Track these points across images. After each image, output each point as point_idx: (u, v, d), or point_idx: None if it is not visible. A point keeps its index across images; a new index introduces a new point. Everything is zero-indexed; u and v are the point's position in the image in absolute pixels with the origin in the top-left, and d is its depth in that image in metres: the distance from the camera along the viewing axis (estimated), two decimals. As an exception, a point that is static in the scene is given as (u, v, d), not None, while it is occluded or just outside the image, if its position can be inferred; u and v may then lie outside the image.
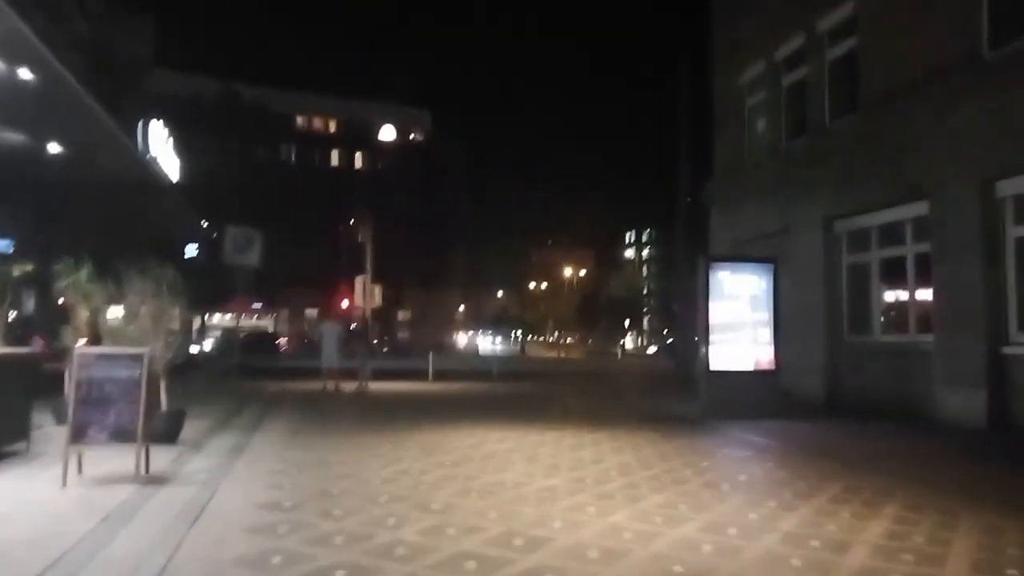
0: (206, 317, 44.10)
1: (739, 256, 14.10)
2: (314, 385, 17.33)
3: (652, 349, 63.23)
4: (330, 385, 16.70)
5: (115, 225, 13.43)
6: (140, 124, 12.31)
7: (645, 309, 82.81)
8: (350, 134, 69.66)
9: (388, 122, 66.10)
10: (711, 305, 11.72)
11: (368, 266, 22.82)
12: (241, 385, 18.50)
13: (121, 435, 6.46)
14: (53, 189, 11.82)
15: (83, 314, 8.91)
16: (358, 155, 70.87)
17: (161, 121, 13.24)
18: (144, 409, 6.51)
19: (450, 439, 9.23)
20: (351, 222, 29.35)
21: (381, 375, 20.12)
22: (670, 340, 64.74)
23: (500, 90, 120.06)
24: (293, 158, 69.32)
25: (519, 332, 79.68)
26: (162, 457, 7.40)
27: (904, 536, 4.84)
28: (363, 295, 22.15)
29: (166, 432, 8.62)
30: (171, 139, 13.75)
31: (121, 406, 6.50)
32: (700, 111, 22.50)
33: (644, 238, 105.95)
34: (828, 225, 14.10)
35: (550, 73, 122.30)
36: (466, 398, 16.21)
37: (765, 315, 11.97)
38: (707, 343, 11.69)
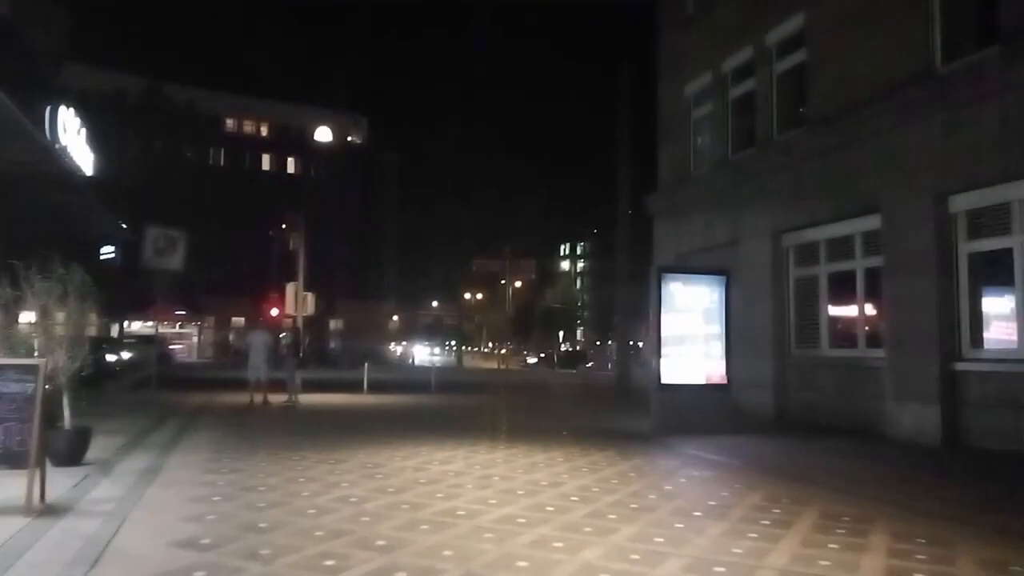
0: (125, 325, 41.78)
1: (692, 268, 13.77)
2: (240, 398, 16.25)
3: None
4: (257, 398, 15.67)
5: (16, 221, 12.20)
6: (48, 111, 11.18)
7: (579, 321, 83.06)
8: (283, 138, 67.88)
9: (323, 125, 64.98)
10: (662, 317, 11.33)
11: (300, 273, 21.83)
12: (160, 397, 17.26)
13: (8, 459, 5.56)
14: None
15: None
16: (291, 160, 69.10)
17: (72, 110, 12.09)
18: (39, 428, 5.62)
19: (392, 460, 8.51)
20: (283, 226, 28.22)
21: (313, 387, 19.14)
22: (593, 352, 65.49)
23: (436, 97, 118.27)
24: (222, 161, 67.02)
25: (454, 342, 78.68)
26: (62, 482, 6.49)
27: (911, 572, 4.40)
28: (295, 303, 21.14)
29: (69, 453, 7.66)
30: (83, 130, 12.58)
31: (10, 424, 5.60)
32: (643, 122, 22.41)
33: (579, 250, 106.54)
34: (777, 238, 13.95)
35: (489, 80, 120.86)
36: (405, 412, 15.44)
37: (717, 328, 11.65)
38: (658, 356, 11.29)
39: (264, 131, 69.53)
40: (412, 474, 7.57)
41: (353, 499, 6.21)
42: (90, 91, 38.18)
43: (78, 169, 12.20)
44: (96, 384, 20.48)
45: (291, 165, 69.09)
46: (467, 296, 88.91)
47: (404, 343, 75.98)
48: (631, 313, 24.24)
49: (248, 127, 69.52)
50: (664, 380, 11.25)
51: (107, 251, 20.83)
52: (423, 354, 74.31)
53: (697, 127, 17.13)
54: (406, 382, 25.34)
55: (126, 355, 31.14)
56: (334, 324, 65.63)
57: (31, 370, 5.74)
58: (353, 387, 21.44)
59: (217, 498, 6.19)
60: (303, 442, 9.87)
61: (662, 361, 11.26)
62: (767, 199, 14.05)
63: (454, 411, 16.05)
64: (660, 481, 7.50)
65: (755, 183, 14.46)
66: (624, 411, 15.74)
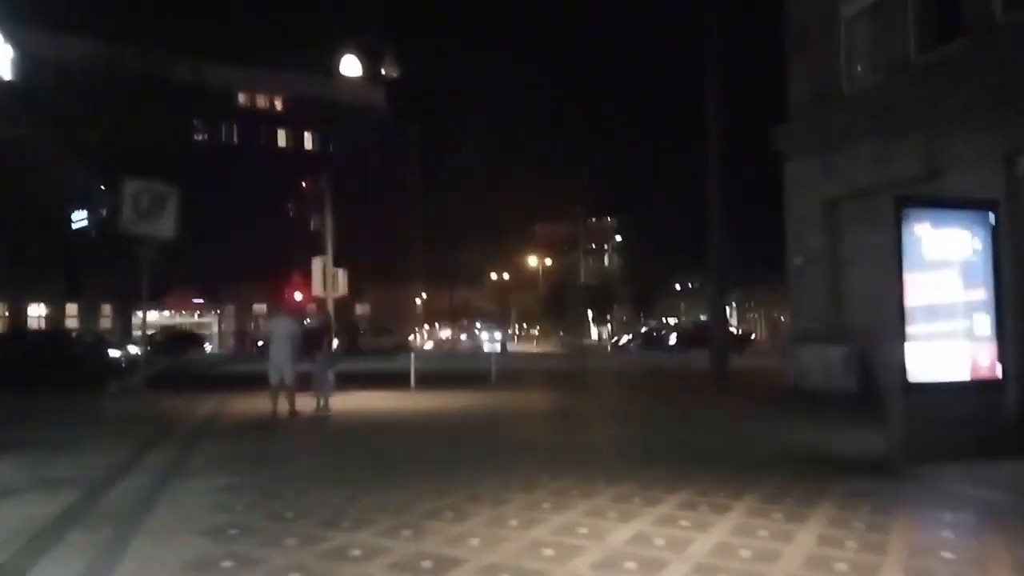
0: (133, 314, 38.24)
1: (946, 199, 9.27)
2: (260, 403, 12.38)
3: (624, 340, 58.21)
4: (282, 405, 11.77)
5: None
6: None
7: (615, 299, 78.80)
8: (299, 111, 63.95)
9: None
10: (906, 277, 7.23)
11: (328, 244, 17.93)
12: (156, 405, 13.50)
13: None
14: None
15: None
16: (307, 135, 65.27)
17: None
18: None
19: (489, 530, 4.65)
20: (302, 195, 24.46)
21: (347, 382, 15.31)
22: (645, 330, 60.65)
23: (468, 36, 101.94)
24: (235, 138, 63.26)
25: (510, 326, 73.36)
26: None
27: None
28: (323, 281, 17.27)
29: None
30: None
31: None
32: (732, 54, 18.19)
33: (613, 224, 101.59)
34: (1012, 162, 9.78)
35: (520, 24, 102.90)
36: (476, 422, 11.51)
37: (982, 293, 7.54)
38: (901, 340, 7.20)
39: (279, 105, 65.76)
40: (532, 564, 3.64)
41: None
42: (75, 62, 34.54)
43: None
44: (93, 385, 16.94)
45: (308, 140, 65.34)
46: (495, 277, 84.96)
47: (462, 325, 69.93)
48: (725, 283, 20.04)
49: (262, 101, 65.78)
50: (912, 377, 7.17)
51: (79, 218, 17.01)
52: (482, 340, 65.42)
53: (852, 27, 12.89)
54: (458, 373, 21.45)
55: (134, 350, 27.64)
56: (360, 309, 62.00)
57: None
58: (395, 382, 17.62)
59: None
60: (353, 501, 5.92)
61: (907, 346, 7.18)
62: (991, 108, 9.86)
63: (539, 419, 12.08)
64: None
65: (969, 88, 10.25)
66: (781, 412, 11.74)
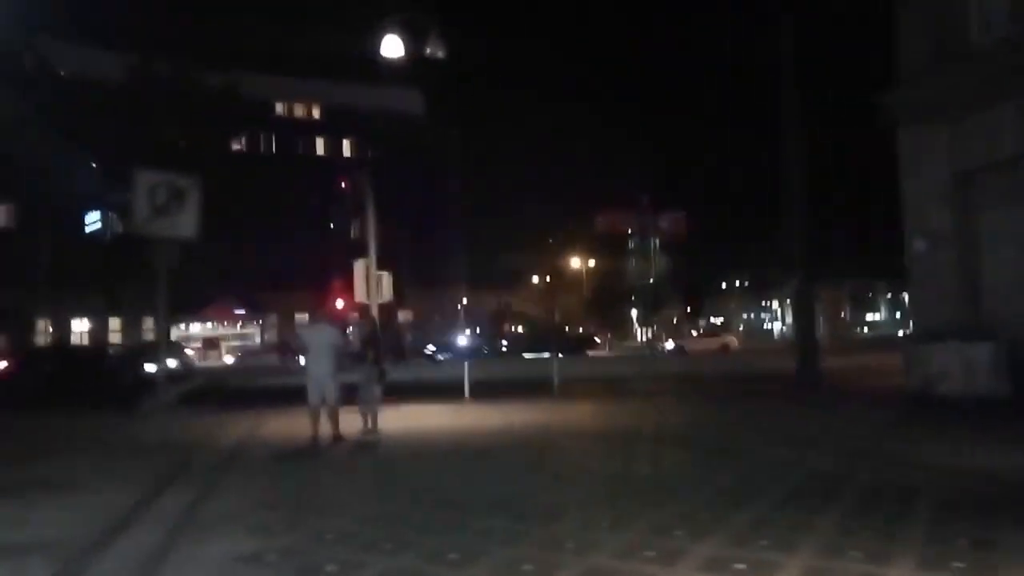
0: (177, 327, 37.32)
1: None
2: (299, 425, 10.69)
3: (669, 344, 55.36)
4: (324, 427, 10.08)
5: None
6: None
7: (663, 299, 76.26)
8: (336, 120, 63.10)
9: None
10: None
11: (371, 244, 16.34)
12: (186, 426, 11.97)
13: None
14: None
15: None
16: (346, 142, 64.37)
17: None
18: None
19: None
20: (343, 190, 22.99)
21: (394, 394, 13.62)
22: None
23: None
24: (273, 148, 62.61)
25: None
26: None
27: None
28: (366, 286, 15.67)
29: None
30: None
31: None
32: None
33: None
34: None
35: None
36: (554, 444, 9.71)
37: None
38: None
39: (316, 113, 65.06)
40: None
41: None
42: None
43: None
44: (125, 403, 15.62)
45: (347, 148, 64.47)
46: (537, 279, 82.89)
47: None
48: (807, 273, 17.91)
49: (299, 110, 65.16)
50: None
51: (92, 220, 15.61)
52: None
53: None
54: (513, 381, 19.67)
55: (172, 363, 26.48)
56: (403, 315, 60.64)
57: None
58: (446, 392, 15.96)
59: None
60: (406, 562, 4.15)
61: None
62: None
63: (634, 441, 10.18)
64: None
65: None
66: (930, 426, 9.69)
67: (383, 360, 11.27)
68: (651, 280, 64.92)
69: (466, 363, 16.32)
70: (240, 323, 55.55)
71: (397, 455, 9.03)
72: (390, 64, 14.24)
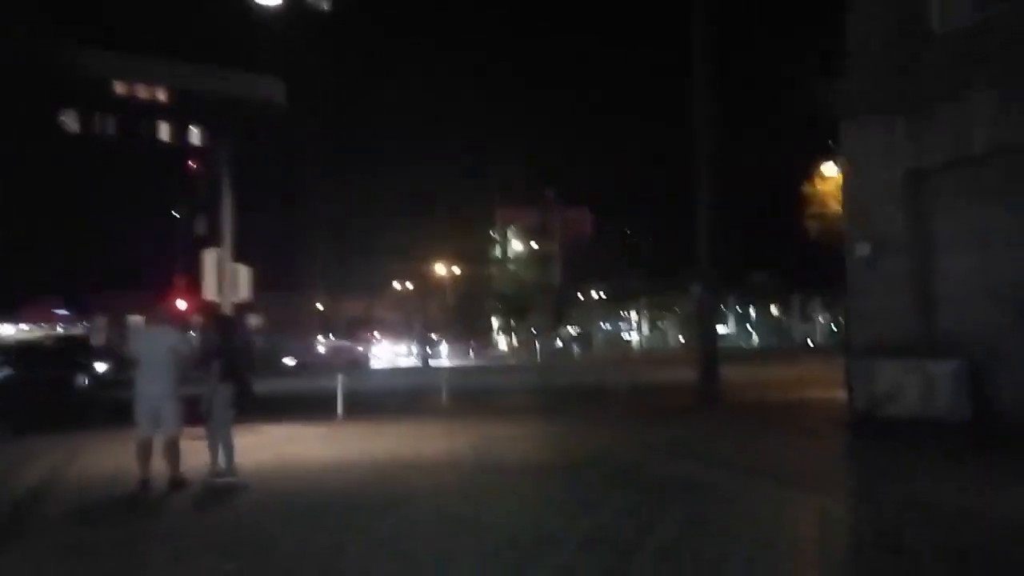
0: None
1: None
2: (124, 461, 7.92)
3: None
4: (157, 467, 7.40)
5: None
6: None
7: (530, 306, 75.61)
8: (185, 104, 57.60)
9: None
10: None
11: (228, 231, 13.54)
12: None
13: None
14: None
15: None
16: (194, 129, 58.92)
17: None
18: None
19: None
20: (192, 172, 19.75)
21: (251, 412, 10.95)
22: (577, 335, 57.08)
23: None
24: (113, 131, 56.30)
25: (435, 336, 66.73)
26: None
27: None
28: (218, 281, 12.86)
29: None
30: None
31: None
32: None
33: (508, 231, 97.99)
34: None
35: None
36: (461, 485, 7.59)
37: None
38: None
39: (162, 96, 59.32)
40: None
41: None
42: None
43: None
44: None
45: (196, 135, 59.09)
46: (398, 286, 79.93)
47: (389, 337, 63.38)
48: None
49: (142, 92, 59.17)
50: None
51: None
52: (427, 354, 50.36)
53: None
54: (395, 393, 17.29)
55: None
56: (253, 320, 56.01)
57: None
58: (314, 409, 13.50)
59: None
60: None
61: None
62: None
63: (583, 480, 8.24)
64: None
65: None
66: (898, 454, 8.38)
67: (247, 375, 8.64)
68: (517, 288, 63.99)
69: (339, 376, 13.82)
70: (62, 325, 48.96)
71: (262, 511, 6.55)
72: (265, 11, 11.61)
